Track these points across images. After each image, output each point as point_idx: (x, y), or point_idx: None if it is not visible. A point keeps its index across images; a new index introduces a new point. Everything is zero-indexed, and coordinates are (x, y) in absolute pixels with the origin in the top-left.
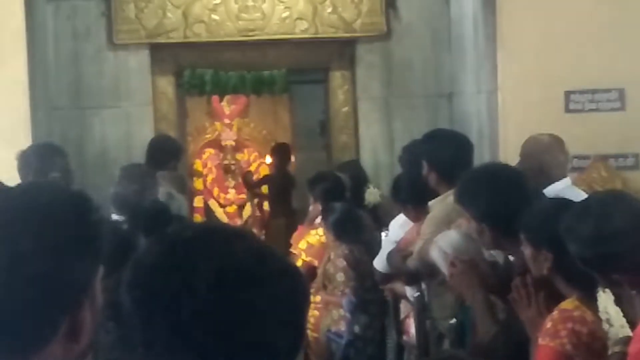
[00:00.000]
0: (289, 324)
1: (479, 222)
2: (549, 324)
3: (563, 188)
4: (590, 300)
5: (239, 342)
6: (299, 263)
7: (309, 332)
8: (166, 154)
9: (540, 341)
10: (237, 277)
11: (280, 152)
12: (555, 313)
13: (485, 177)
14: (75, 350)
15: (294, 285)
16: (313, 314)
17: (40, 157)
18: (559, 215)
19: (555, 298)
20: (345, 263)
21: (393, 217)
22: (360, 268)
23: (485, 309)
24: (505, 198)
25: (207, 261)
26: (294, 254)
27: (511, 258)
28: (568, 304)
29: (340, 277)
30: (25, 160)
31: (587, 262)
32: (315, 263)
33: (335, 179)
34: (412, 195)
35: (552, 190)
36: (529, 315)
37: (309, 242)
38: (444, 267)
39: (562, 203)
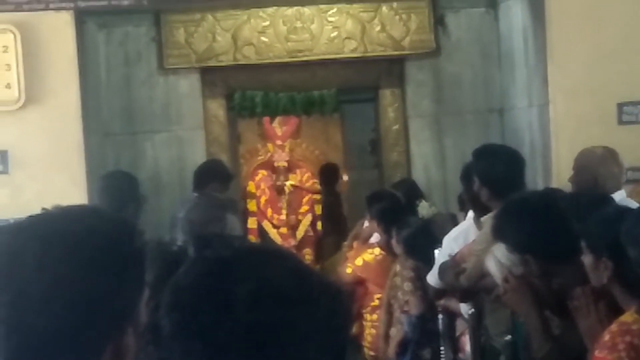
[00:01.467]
0: (329, 344)
1: (522, 254)
2: (606, 337)
3: (618, 200)
4: None
5: None
6: (348, 270)
7: (366, 350)
8: (207, 175)
9: (597, 354)
10: (275, 297)
11: (328, 172)
12: (613, 326)
13: (519, 208)
14: None
15: (335, 305)
16: (370, 332)
17: (113, 186)
18: (621, 222)
19: (614, 310)
20: (412, 273)
21: (446, 232)
22: (424, 285)
23: (539, 325)
24: (544, 225)
25: (245, 282)
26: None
27: None
28: (627, 317)
29: (407, 286)
30: (100, 188)
31: None
32: (369, 279)
33: (393, 198)
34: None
35: None
36: (589, 324)
37: (365, 260)
38: (499, 279)
39: (625, 210)
